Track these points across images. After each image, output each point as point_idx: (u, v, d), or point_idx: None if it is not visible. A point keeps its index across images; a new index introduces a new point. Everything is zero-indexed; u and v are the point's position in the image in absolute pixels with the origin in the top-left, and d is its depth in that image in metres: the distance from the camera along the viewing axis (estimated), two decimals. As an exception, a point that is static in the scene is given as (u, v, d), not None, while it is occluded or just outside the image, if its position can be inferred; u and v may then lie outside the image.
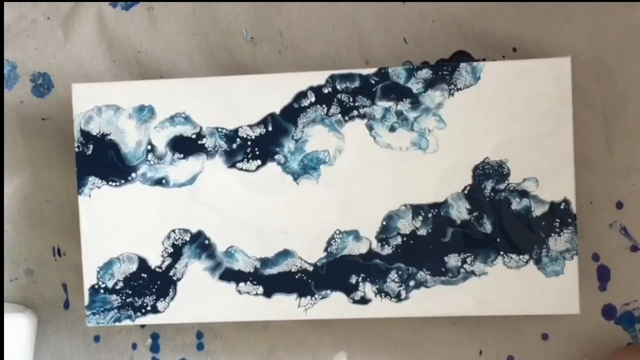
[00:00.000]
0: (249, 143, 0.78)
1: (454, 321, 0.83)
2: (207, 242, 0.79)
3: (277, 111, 0.78)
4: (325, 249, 0.77)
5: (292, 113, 0.78)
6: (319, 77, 0.77)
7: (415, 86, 0.76)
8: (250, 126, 0.78)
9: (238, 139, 0.78)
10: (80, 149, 0.79)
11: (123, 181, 0.79)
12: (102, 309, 0.80)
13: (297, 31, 0.84)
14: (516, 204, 0.75)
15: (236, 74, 0.84)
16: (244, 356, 0.86)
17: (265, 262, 0.78)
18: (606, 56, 0.80)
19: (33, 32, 0.88)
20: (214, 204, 0.78)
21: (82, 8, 0.87)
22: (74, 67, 0.87)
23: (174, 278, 0.79)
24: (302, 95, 0.78)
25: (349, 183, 0.77)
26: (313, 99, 0.77)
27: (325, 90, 0.77)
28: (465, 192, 0.76)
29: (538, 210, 0.75)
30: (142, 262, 0.79)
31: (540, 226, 0.75)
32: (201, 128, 0.78)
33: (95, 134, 0.79)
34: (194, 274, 0.79)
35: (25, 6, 0.88)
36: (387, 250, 0.77)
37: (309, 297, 0.78)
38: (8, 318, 0.82)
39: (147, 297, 0.79)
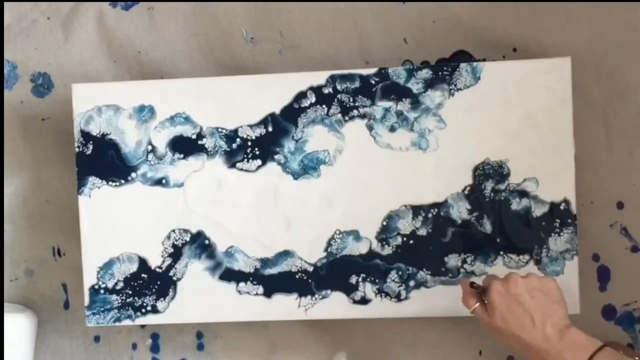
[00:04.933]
0: (249, 143, 0.78)
1: (454, 321, 0.83)
2: (207, 242, 0.79)
3: (277, 111, 0.78)
4: (326, 249, 0.77)
5: (292, 113, 0.78)
6: (319, 77, 0.77)
7: (415, 86, 0.76)
8: (250, 126, 0.78)
9: (238, 139, 0.78)
10: (80, 149, 0.79)
11: (123, 181, 0.79)
12: (102, 309, 0.80)
13: (297, 31, 0.84)
14: (516, 204, 0.75)
15: (236, 74, 0.84)
16: (244, 356, 0.86)
17: (265, 262, 0.78)
18: (606, 56, 0.80)
19: (33, 32, 0.88)
20: (214, 204, 0.78)
21: (82, 8, 0.87)
22: (74, 67, 0.87)
23: (174, 278, 0.79)
24: (302, 95, 0.78)
25: (349, 183, 0.77)
26: (313, 99, 0.77)
27: (326, 91, 0.77)
28: (465, 192, 0.76)
29: (538, 211, 0.75)
30: (142, 262, 0.79)
31: (540, 226, 0.75)
32: (201, 128, 0.78)
33: (95, 134, 0.79)
34: (194, 274, 0.79)
35: (25, 6, 0.88)
36: (387, 251, 0.77)
37: (309, 297, 0.78)
38: (8, 318, 0.82)
39: (147, 297, 0.79)
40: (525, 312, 0.60)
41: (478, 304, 0.63)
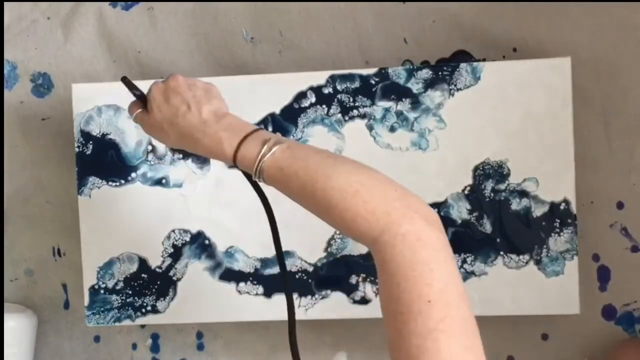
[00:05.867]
0: (249, 143, 0.78)
1: (454, 321, 0.83)
2: (207, 242, 0.79)
3: (277, 111, 0.78)
4: (326, 249, 0.77)
5: (292, 113, 0.78)
6: (319, 77, 0.77)
7: (415, 86, 0.76)
8: (250, 126, 0.78)
9: (238, 139, 0.78)
10: (80, 149, 0.79)
11: (123, 181, 0.79)
12: (102, 309, 0.80)
13: (297, 31, 0.84)
14: (516, 204, 0.75)
15: (236, 74, 0.84)
16: (244, 356, 0.86)
17: (265, 262, 0.78)
18: (606, 56, 0.80)
19: (33, 32, 0.88)
20: (214, 204, 0.78)
21: (82, 8, 0.87)
22: (74, 67, 0.87)
23: (174, 278, 0.79)
24: (302, 95, 0.78)
25: (349, 183, 0.77)
26: (313, 99, 0.77)
27: (326, 91, 0.77)
28: (465, 192, 0.76)
29: (538, 211, 0.75)
30: (142, 262, 0.79)
31: (540, 226, 0.75)
32: (201, 128, 0.78)
33: (95, 134, 0.79)
34: (194, 274, 0.79)
35: (25, 6, 0.88)
36: (387, 251, 0.77)
37: (309, 297, 0.78)
38: (8, 318, 0.82)
39: (147, 297, 0.79)
40: (182, 100, 0.60)
41: (140, 109, 0.63)
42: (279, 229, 0.79)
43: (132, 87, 0.65)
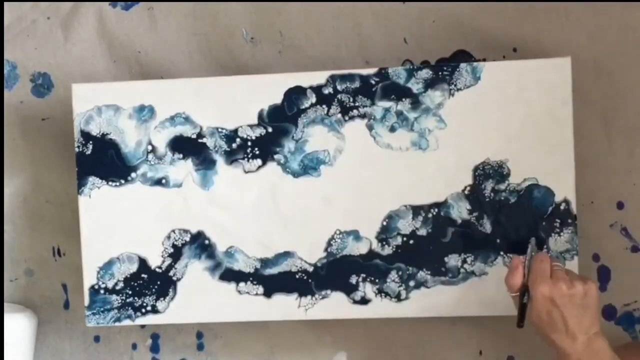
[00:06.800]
0: (249, 143, 0.78)
1: (454, 321, 0.83)
2: (207, 242, 0.79)
3: (277, 111, 0.78)
4: (326, 249, 0.77)
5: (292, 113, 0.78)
6: (319, 77, 0.77)
7: (415, 86, 0.76)
8: (250, 126, 0.78)
9: (238, 139, 0.78)
10: (80, 149, 0.79)
11: (123, 181, 0.79)
12: (102, 309, 0.80)
13: (297, 31, 0.84)
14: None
15: (236, 74, 0.84)
16: (244, 356, 0.86)
17: (265, 262, 0.78)
18: (606, 56, 0.80)
19: (33, 32, 0.88)
20: (214, 204, 0.78)
21: (82, 8, 0.87)
22: (74, 67, 0.87)
23: (174, 278, 0.79)
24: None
25: (349, 183, 0.77)
26: (313, 99, 0.77)
27: (326, 91, 0.77)
28: (465, 192, 0.76)
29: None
30: (142, 262, 0.79)
31: (541, 226, 0.75)
32: (201, 128, 0.78)
33: (95, 134, 0.79)
34: (194, 274, 0.79)
35: (25, 6, 0.88)
36: (388, 251, 0.77)
37: (309, 297, 0.78)
38: (8, 318, 0.82)
39: (147, 297, 0.79)
40: (562, 319, 0.63)
41: (518, 294, 0.66)
42: (279, 229, 0.79)
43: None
